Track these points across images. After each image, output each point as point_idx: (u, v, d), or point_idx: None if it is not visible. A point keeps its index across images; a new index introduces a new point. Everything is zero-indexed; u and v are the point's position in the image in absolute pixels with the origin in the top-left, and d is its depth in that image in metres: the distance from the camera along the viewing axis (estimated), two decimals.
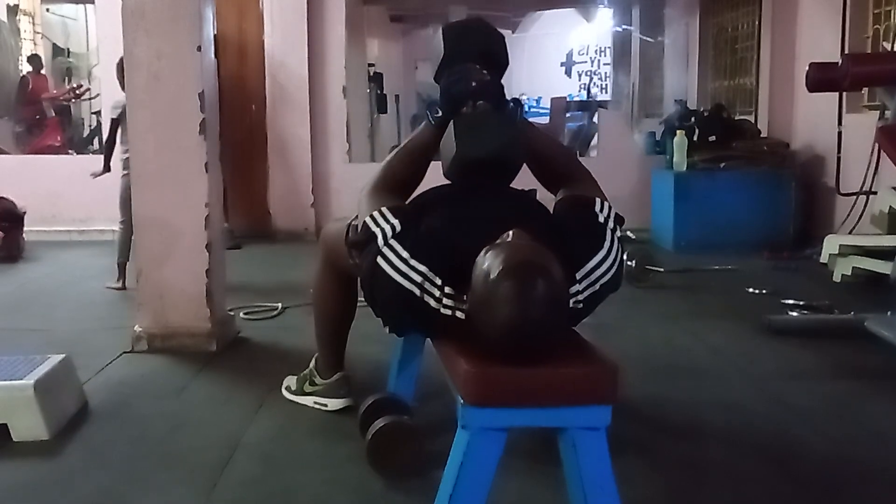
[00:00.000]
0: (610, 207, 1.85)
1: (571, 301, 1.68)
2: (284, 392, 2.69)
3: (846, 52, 5.04)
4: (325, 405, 2.56)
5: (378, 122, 9.21)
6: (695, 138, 5.87)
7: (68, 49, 9.99)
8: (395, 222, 1.73)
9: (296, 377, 2.67)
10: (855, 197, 4.69)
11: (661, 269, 4.50)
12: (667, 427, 2.49)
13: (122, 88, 3.49)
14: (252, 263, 5.38)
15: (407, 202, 1.92)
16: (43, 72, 9.16)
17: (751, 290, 4.25)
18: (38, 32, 9.73)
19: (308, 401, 2.59)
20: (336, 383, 2.55)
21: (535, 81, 13.02)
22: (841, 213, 5.05)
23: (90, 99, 9.21)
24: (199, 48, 3.22)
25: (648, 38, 10.04)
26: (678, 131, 5.80)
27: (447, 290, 1.66)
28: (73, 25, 10.28)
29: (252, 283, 4.57)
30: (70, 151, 8.30)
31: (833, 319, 3.59)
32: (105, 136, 4.68)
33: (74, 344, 3.15)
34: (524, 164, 1.97)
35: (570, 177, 2.00)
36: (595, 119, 8.77)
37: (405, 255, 1.68)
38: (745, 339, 3.39)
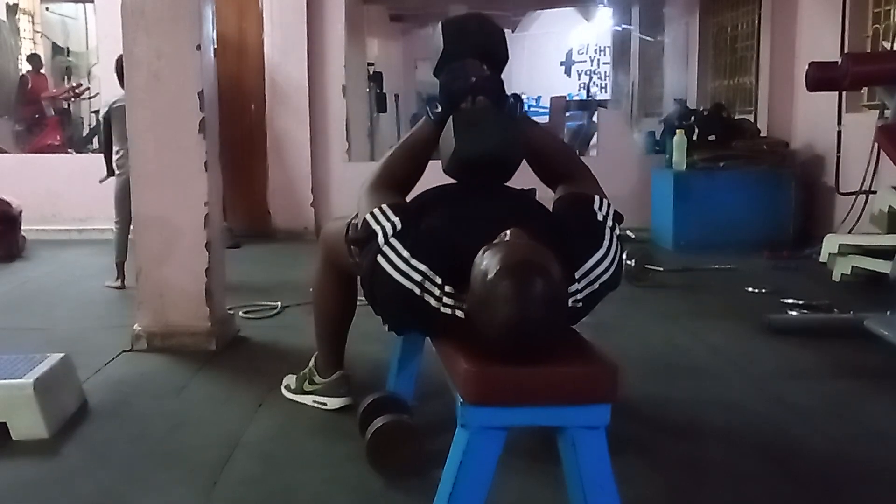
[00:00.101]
0: (609, 205, 1.85)
1: (570, 300, 1.68)
2: (284, 391, 2.68)
3: (846, 51, 5.04)
4: (325, 404, 2.56)
5: (377, 121, 9.21)
6: (694, 137, 5.87)
7: (68, 48, 9.99)
8: (396, 220, 1.73)
9: (295, 376, 2.67)
10: (854, 196, 4.69)
11: (661, 269, 4.50)
12: (666, 426, 2.49)
13: (122, 86, 3.50)
14: (252, 262, 5.38)
15: (407, 201, 1.92)
16: (42, 71, 9.17)
17: (750, 289, 4.25)
18: (38, 31, 9.73)
19: (307, 400, 2.59)
20: (336, 382, 2.55)
21: (534, 80, 13.01)
22: (840, 213, 5.05)
23: (90, 98, 9.21)
24: (198, 47, 3.22)
25: (648, 38, 10.04)
26: (678, 130, 5.80)
27: (447, 289, 1.66)
28: (72, 24, 10.29)
29: (252, 283, 4.57)
30: (70, 150, 8.30)
31: (833, 319, 3.59)
32: (103, 138, 4.69)
33: (74, 343, 3.15)
34: (523, 161, 1.96)
35: (569, 173, 2.00)
36: (595, 118, 8.77)
37: (405, 254, 1.68)
38: (745, 339, 3.39)
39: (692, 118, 6.22)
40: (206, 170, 3.26)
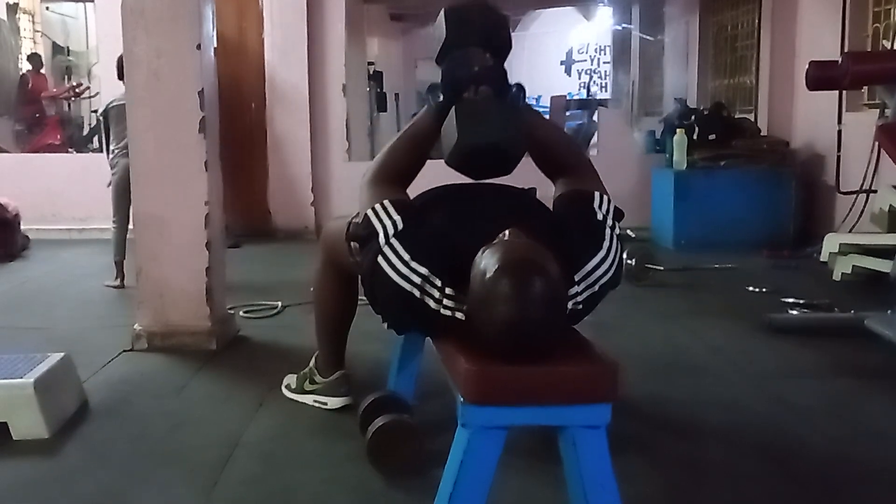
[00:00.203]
0: (609, 201, 1.83)
1: (570, 303, 1.68)
2: (284, 390, 2.68)
3: (846, 50, 5.04)
4: (325, 403, 2.55)
5: (378, 120, 9.21)
6: (695, 137, 5.87)
7: (68, 47, 9.98)
8: (397, 219, 1.72)
9: (296, 375, 2.67)
10: (855, 195, 4.69)
11: (661, 268, 4.50)
12: (667, 425, 2.49)
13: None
14: (252, 262, 5.39)
15: (409, 198, 1.90)
16: (43, 70, 9.16)
17: (751, 288, 4.25)
18: (38, 31, 9.72)
19: (308, 399, 2.59)
20: (336, 382, 2.55)
21: (534, 80, 12.97)
22: (841, 212, 5.05)
23: (90, 97, 9.21)
24: (198, 46, 3.22)
25: (648, 37, 10.04)
26: (678, 130, 5.81)
27: (447, 291, 1.65)
28: (72, 24, 10.27)
29: (252, 282, 4.57)
30: (70, 150, 8.30)
31: (833, 318, 3.59)
32: (104, 137, 4.71)
33: (74, 342, 3.15)
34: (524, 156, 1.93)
35: (571, 166, 1.98)
36: (595, 117, 8.77)
37: (406, 256, 1.67)
38: (745, 338, 3.39)
39: (692, 117, 6.23)
40: (207, 169, 3.26)
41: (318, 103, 6.66)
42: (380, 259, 1.70)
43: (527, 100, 1.97)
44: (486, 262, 1.51)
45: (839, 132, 5.26)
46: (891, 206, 4.37)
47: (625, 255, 1.94)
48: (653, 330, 3.56)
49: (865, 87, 4.78)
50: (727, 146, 5.79)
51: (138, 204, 3.32)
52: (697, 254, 5.04)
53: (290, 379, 2.69)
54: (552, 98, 10.59)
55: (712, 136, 5.90)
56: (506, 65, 1.96)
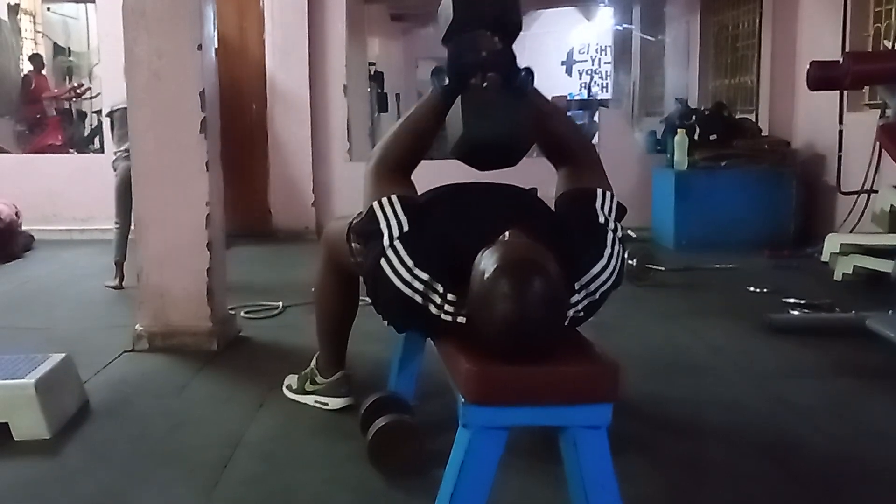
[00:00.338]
0: (612, 198, 1.83)
1: (571, 311, 1.68)
2: (285, 391, 2.68)
3: (847, 50, 5.03)
4: (326, 404, 2.55)
5: (379, 120, 9.21)
6: (695, 137, 5.87)
7: (69, 48, 10.00)
8: (403, 220, 1.70)
9: (297, 376, 2.66)
10: (856, 195, 4.68)
11: (662, 268, 4.50)
12: (667, 425, 2.49)
13: None
14: (253, 262, 5.38)
15: (415, 192, 1.86)
16: (44, 71, 9.16)
17: (751, 288, 4.24)
18: (39, 31, 9.73)
19: (309, 399, 2.59)
20: (337, 382, 2.55)
21: (535, 80, 13.00)
22: (842, 212, 5.05)
23: (91, 98, 9.22)
24: (199, 47, 3.22)
25: (649, 37, 10.03)
26: (679, 130, 5.80)
27: (449, 296, 1.65)
28: (73, 24, 10.29)
29: (253, 282, 4.57)
30: (71, 151, 8.31)
31: (834, 318, 3.58)
32: (111, 138, 4.74)
33: (75, 343, 3.15)
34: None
35: (577, 158, 1.96)
36: (596, 118, 8.77)
37: (409, 262, 1.66)
38: (746, 338, 3.39)
39: (693, 117, 6.22)
40: (208, 169, 3.26)
41: (319, 103, 6.65)
42: (382, 262, 1.69)
43: (534, 85, 1.88)
44: (487, 262, 1.51)
45: (840, 132, 5.25)
46: (892, 206, 4.37)
47: (626, 256, 1.92)
48: (653, 330, 3.56)
49: (866, 88, 4.77)
50: (728, 146, 5.79)
51: (139, 204, 3.32)
52: (698, 254, 5.03)
53: (291, 379, 2.69)
54: (553, 98, 10.57)
55: (713, 136, 5.90)
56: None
